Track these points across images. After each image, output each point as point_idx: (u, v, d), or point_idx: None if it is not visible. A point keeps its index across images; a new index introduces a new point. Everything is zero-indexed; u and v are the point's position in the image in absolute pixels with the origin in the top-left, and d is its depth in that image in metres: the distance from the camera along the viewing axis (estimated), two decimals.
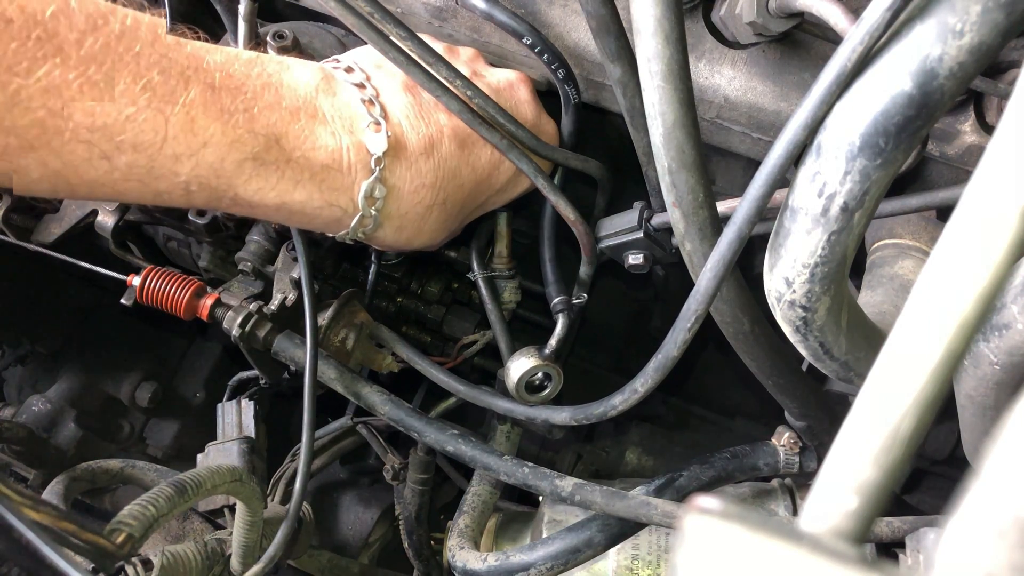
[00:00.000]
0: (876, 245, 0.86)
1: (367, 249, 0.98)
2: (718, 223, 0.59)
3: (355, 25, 0.67)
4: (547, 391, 0.87)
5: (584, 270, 0.88)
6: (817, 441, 0.86)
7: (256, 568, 0.79)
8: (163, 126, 0.57)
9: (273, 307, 0.84)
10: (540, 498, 1.01)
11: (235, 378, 1.07)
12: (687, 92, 0.54)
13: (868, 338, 0.63)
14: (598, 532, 0.81)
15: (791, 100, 0.80)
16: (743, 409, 1.33)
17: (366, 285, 0.98)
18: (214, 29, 0.84)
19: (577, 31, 0.82)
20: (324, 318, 0.86)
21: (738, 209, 0.53)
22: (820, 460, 0.88)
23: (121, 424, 1.22)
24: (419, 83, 0.70)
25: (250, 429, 0.96)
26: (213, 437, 0.96)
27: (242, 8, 0.78)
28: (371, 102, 0.69)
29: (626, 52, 0.68)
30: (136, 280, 0.84)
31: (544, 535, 0.92)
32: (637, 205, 0.83)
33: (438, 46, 0.76)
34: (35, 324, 1.24)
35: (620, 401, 0.75)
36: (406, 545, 1.12)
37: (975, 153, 0.81)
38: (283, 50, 0.79)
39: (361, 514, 1.21)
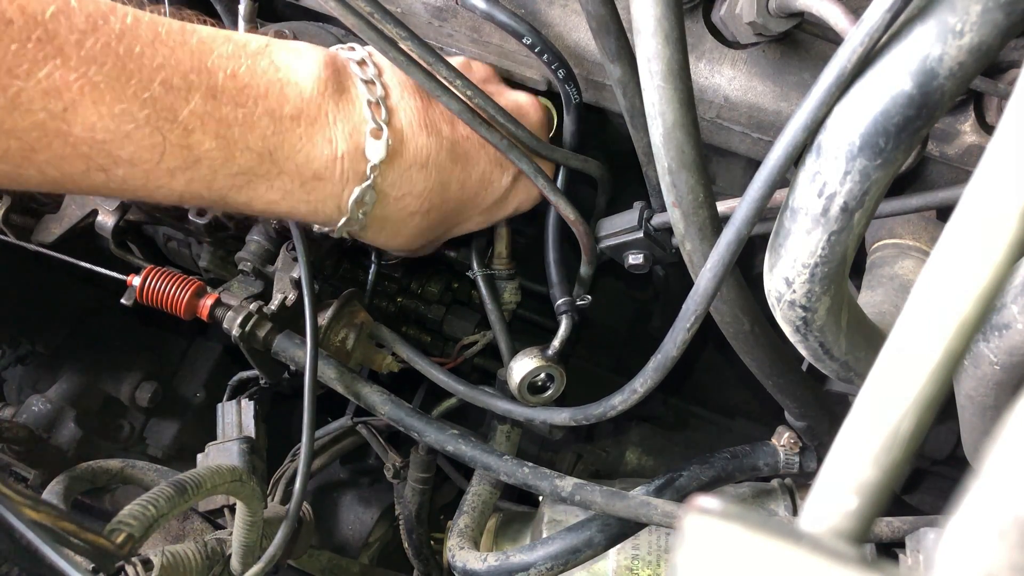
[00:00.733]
0: (876, 245, 0.86)
1: (367, 249, 0.98)
2: (718, 223, 0.59)
3: (355, 25, 0.67)
4: (550, 392, 0.87)
5: (584, 270, 0.88)
6: (817, 441, 0.86)
7: (256, 568, 0.79)
8: (161, 143, 0.57)
9: (273, 307, 0.84)
10: (540, 498, 1.01)
11: (235, 378, 1.07)
12: (687, 92, 0.54)
13: (868, 338, 0.63)
14: (598, 532, 0.81)
15: (791, 100, 0.80)
16: (743, 409, 1.33)
17: (366, 285, 0.98)
18: (200, 15, 0.83)
19: (577, 31, 0.82)
20: (324, 318, 0.86)
21: (738, 209, 0.53)
22: (820, 460, 0.88)
23: (121, 424, 1.22)
24: (419, 83, 0.70)
25: (250, 429, 0.96)
26: (213, 437, 0.96)
27: (242, 8, 0.78)
28: (377, 104, 0.68)
29: (626, 52, 0.68)
30: (136, 280, 0.84)
31: (544, 535, 0.92)
32: (637, 205, 0.83)
33: (456, 61, 0.75)
34: (35, 324, 1.24)
35: (620, 401, 0.75)
36: (406, 544, 1.12)
37: (975, 153, 0.81)
38: None
39: (361, 514, 1.21)
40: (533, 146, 0.77)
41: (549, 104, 0.85)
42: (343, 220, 0.69)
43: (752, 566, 0.25)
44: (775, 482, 0.96)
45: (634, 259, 0.84)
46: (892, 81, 0.45)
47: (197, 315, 0.84)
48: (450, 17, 0.83)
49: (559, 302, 0.86)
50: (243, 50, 0.62)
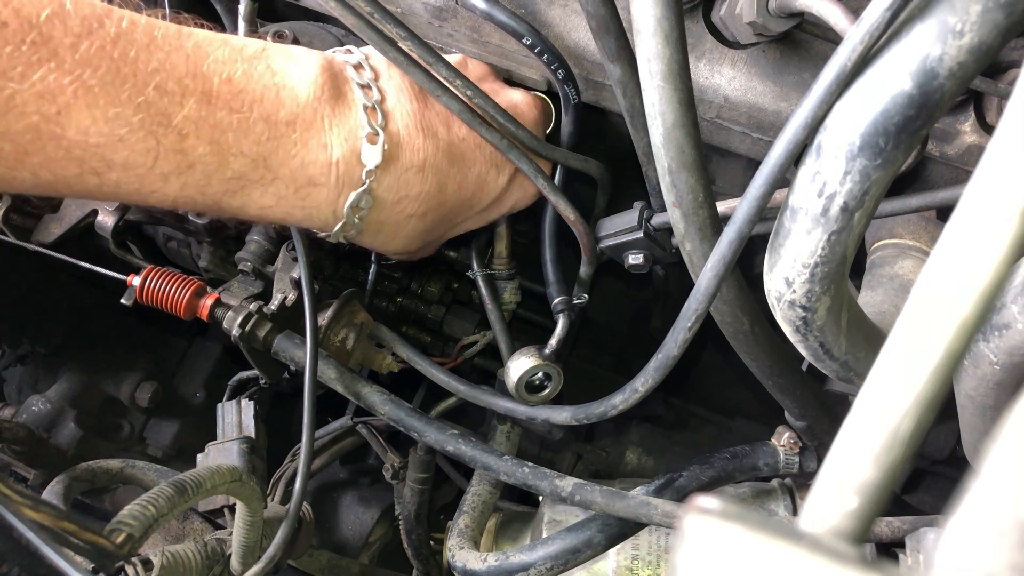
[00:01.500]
0: (876, 245, 0.86)
1: (367, 249, 0.98)
2: (718, 223, 0.59)
3: (355, 25, 0.67)
4: (547, 391, 0.87)
5: (584, 270, 0.88)
6: (817, 441, 0.86)
7: (256, 568, 0.79)
8: (155, 148, 0.57)
9: (273, 307, 0.84)
10: (540, 498, 1.01)
11: (235, 378, 1.07)
12: (687, 92, 0.54)
13: (868, 338, 0.63)
14: (598, 532, 0.81)
15: (791, 100, 0.80)
16: (743, 409, 1.33)
17: (366, 285, 0.98)
18: (197, 19, 0.83)
19: (577, 31, 0.82)
20: (324, 318, 0.86)
21: (739, 208, 0.53)
22: (820, 460, 0.88)
23: (121, 424, 1.22)
24: (419, 83, 0.70)
25: (250, 429, 0.96)
26: (213, 437, 0.96)
27: (242, 8, 0.78)
28: (374, 108, 0.68)
29: (626, 52, 0.68)
30: (136, 280, 0.84)
31: (544, 535, 0.92)
32: (637, 205, 0.83)
33: (453, 59, 0.75)
34: (35, 324, 1.24)
35: (621, 400, 0.75)
36: (406, 544, 1.12)
37: (975, 153, 0.81)
38: None
39: (361, 514, 1.21)
40: (533, 146, 0.77)
41: (547, 99, 0.85)
42: (339, 225, 0.69)
43: (752, 566, 0.25)
44: (775, 482, 0.96)
45: (634, 259, 0.84)
46: (892, 81, 0.45)
47: (197, 315, 0.84)
48: (450, 17, 0.83)
49: (556, 301, 0.86)
50: (239, 54, 0.62)
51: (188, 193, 0.61)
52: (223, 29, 0.85)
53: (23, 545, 0.50)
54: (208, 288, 0.85)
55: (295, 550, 0.92)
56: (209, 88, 0.59)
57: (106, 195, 0.59)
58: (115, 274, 0.89)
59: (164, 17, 0.61)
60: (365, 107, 0.67)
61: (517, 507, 1.09)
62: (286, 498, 1.00)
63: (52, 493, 0.84)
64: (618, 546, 0.85)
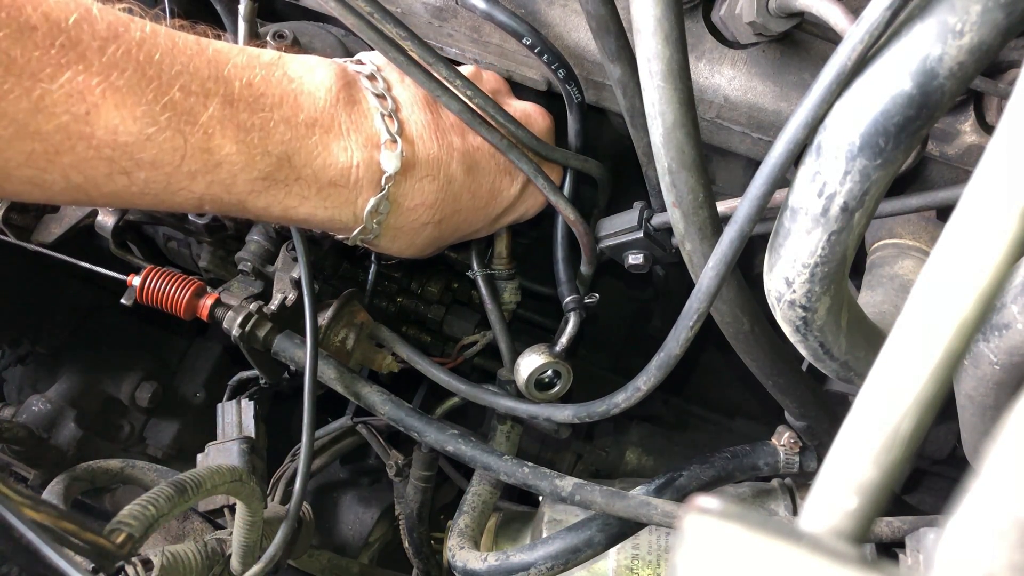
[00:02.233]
0: (876, 245, 0.86)
1: (367, 249, 0.98)
2: (718, 223, 0.59)
3: (355, 25, 0.67)
4: (557, 388, 0.87)
5: (584, 270, 0.88)
6: (817, 441, 0.86)
7: (256, 568, 0.79)
8: (182, 145, 0.58)
9: (273, 307, 0.84)
10: (540, 498, 1.01)
11: (235, 378, 1.07)
12: (687, 92, 0.54)
13: (868, 338, 0.63)
14: (598, 532, 0.81)
15: (791, 100, 0.80)
16: (743, 409, 1.33)
17: (366, 285, 0.98)
18: (213, 29, 0.84)
19: (577, 31, 0.82)
20: (324, 318, 0.86)
21: (740, 207, 0.53)
22: (820, 460, 0.88)
23: (121, 424, 1.22)
24: (419, 83, 0.70)
25: (250, 429, 0.96)
26: (213, 437, 0.96)
27: (242, 8, 0.78)
28: (390, 116, 0.69)
29: (626, 52, 0.68)
30: (136, 280, 0.84)
31: (544, 535, 0.92)
32: (637, 205, 0.83)
33: (466, 70, 0.76)
34: (35, 324, 1.24)
35: (623, 399, 0.75)
36: (406, 543, 1.12)
37: (975, 153, 0.81)
38: (285, 51, 0.79)
39: (361, 514, 1.21)
40: (533, 146, 0.77)
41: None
42: (358, 228, 0.71)
43: (752, 566, 0.25)
44: (775, 482, 0.96)
45: (634, 259, 0.84)
46: (892, 81, 0.45)
47: (197, 315, 0.84)
48: (450, 17, 0.83)
49: (567, 299, 0.87)
50: (256, 61, 0.63)
51: (215, 191, 0.62)
52: (223, 31, 0.85)
53: (23, 545, 0.50)
54: (208, 288, 0.85)
55: (295, 550, 0.92)
56: (231, 91, 0.60)
57: (134, 196, 0.60)
58: (115, 274, 0.89)
59: (167, 23, 0.62)
60: (382, 115, 0.69)
61: (517, 507, 1.09)
62: (286, 498, 1.00)
63: (52, 493, 0.84)
64: (618, 546, 0.85)
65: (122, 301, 0.86)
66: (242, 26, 0.78)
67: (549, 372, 0.86)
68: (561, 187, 0.83)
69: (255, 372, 0.92)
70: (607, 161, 0.87)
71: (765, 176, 0.51)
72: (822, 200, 0.49)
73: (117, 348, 1.26)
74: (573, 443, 1.23)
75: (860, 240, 0.53)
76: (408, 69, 0.69)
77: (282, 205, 0.66)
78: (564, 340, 0.85)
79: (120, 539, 0.59)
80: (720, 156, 0.91)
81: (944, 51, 0.43)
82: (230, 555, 0.81)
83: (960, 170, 0.82)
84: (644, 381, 0.72)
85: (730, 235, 0.54)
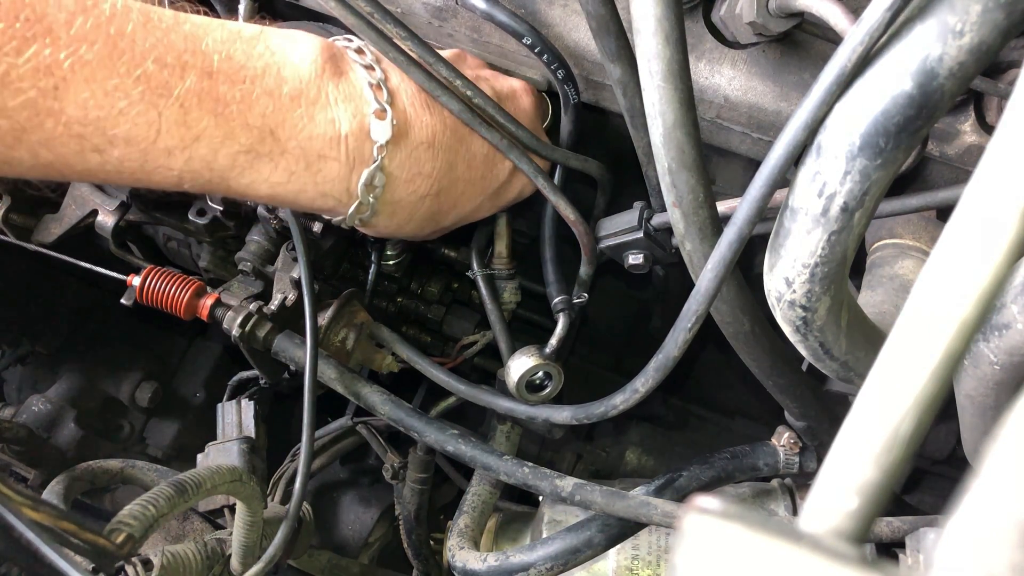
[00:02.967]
0: (876, 245, 0.86)
1: (367, 249, 0.98)
2: (718, 223, 0.59)
3: (355, 25, 0.67)
4: (547, 390, 0.87)
5: (584, 270, 0.88)
6: (817, 441, 0.86)
7: (256, 568, 0.79)
8: (156, 119, 0.56)
9: (273, 307, 0.84)
10: (540, 498, 1.01)
11: (235, 378, 1.07)
12: (687, 92, 0.54)
13: (868, 338, 0.63)
14: (598, 532, 0.81)
15: (791, 100, 0.80)
16: (743, 409, 1.33)
17: (366, 285, 0.98)
18: (195, 5, 0.83)
19: (577, 31, 0.82)
20: (324, 318, 0.86)
21: (739, 208, 0.53)
22: (820, 460, 0.88)
23: (121, 424, 1.22)
24: (419, 83, 0.70)
25: (250, 429, 0.96)
26: (213, 437, 0.96)
27: (242, 7, 0.78)
28: (379, 86, 0.68)
29: (626, 52, 0.68)
30: (136, 280, 0.84)
31: (544, 535, 0.92)
32: (637, 205, 0.83)
33: (446, 52, 0.75)
34: (35, 324, 1.24)
35: (621, 400, 0.75)
36: (405, 544, 1.12)
37: (975, 153, 0.81)
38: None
39: (361, 514, 1.21)
40: (533, 146, 0.77)
41: (543, 94, 0.85)
42: (354, 206, 0.69)
43: (752, 566, 0.25)
44: (775, 482, 0.96)
45: (634, 259, 0.84)
46: (892, 81, 0.45)
47: (197, 315, 0.84)
48: (450, 17, 0.83)
49: (556, 300, 0.87)
50: (237, 36, 0.62)
51: (194, 167, 0.60)
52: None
53: (23, 545, 0.50)
54: (208, 288, 0.85)
55: (295, 550, 0.92)
56: (209, 64, 0.59)
57: (109, 175, 0.58)
58: (115, 274, 0.89)
59: (163, 5, 0.61)
60: (370, 84, 0.67)
61: (517, 507, 1.09)
62: (286, 498, 1.00)
63: (52, 493, 0.84)
64: (618, 546, 0.85)
65: (122, 301, 0.86)
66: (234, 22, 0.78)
67: (540, 374, 0.86)
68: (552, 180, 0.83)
69: (255, 372, 0.92)
70: (607, 161, 0.87)
71: (765, 176, 0.51)
72: (822, 200, 0.49)
73: (117, 348, 1.26)
74: (573, 443, 1.23)
75: (860, 240, 0.53)
76: (408, 69, 0.69)
77: (269, 182, 0.64)
78: (554, 341, 0.85)
79: (120, 539, 0.59)
80: (720, 156, 0.91)
81: (944, 51, 0.43)
82: (230, 555, 0.81)
83: (960, 170, 0.82)
84: (642, 383, 0.72)
85: (729, 236, 0.54)
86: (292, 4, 0.89)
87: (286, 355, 0.83)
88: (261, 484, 0.85)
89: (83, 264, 0.92)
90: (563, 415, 0.82)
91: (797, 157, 0.50)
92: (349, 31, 0.71)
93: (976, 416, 0.59)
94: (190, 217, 0.89)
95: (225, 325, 0.82)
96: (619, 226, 0.84)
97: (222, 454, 0.93)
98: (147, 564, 0.73)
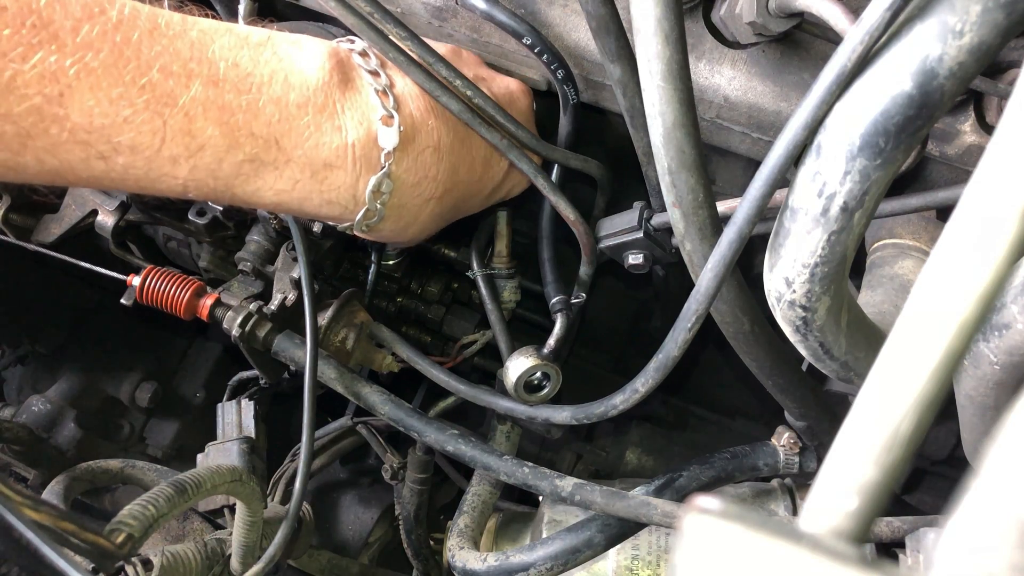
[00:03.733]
0: (876, 245, 0.86)
1: (367, 249, 0.98)
2: (718, 223, 0.59)
3: (355, 25, 0.67)
4: (546, 391, 0.87)
5: (584, 270, 0.88)
6: (817, 441, 0.86)
7: (256, 568, 0.79)
8: (161, 128, 0.57)
9: (273, 307, 0.84)
10: (540, 498, 1.01)
11: (235, 378, 1.07)
12: (687, 92, 0.54)
13: (868, 338, 0.63)
14: (598, 532, 0.81)
15: (791, 100, 0.80)
16: (743, 409, 1.33)
17: (366, 285, 0.98)
18: (202, 9, 0.83)
19: (577, 31, 0.82)
20: (324, 318, 0.86)
21: (739, 208, 0.53)
22: (820, 460, 0.88)
23: (121, 424, 1.22)
24: (419, 83, 0.70)
25: (250, 429, 0.96)
26: (213, 437, 0.96)
27: (242, 7, 0.78)
28: (385, 92, 0.68)
29: (626, 52, 0.68)
30: (136, 280, 0.84)
31: (544, 535, 0.92)
32: (637, 205, 0.83)
33: (442, 48, 0.75)
34: (35, 324, 1.24)
35: (621, 401, 0.75)
36: (405, 544, 1.12)
37: (975, 153, 0.81)
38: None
39: (361, 514, 1.21)
40: (533, 146, 0.77)
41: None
42: (361, 212, 0.69)
43: (752, 566, 0.25)
44: (775, 482, 0.96)
45: (634, 259, 0.84)
46: (892, 81, 0.45)
47: (197, 315, 0.84)
48: (450, 17, 0.83)
49: (554, 300, 0.87)
50: (245, 42, 0.62)
51: (199, 176, 0.60)
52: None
53: (23, 545, 0.50)
54: (208, 288, 0.85)
55: (295, 550, 0.92)
56: (215, 72, 0.59)
57: (114, 182, 0.58)
58: (115, 274, 0.89)
59: (169, 7, 0.61)
60: (376, 91, 0.67)
61: (517, 507, 1.09)
62: (286, 498, 1.00)
63: (52, 493, 0.84)
64: (618, 546, 0.85)
65: (122, 301, 0.86)
66: (242, 25, 0.78)
67: (538, 374, 0.86)
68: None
69: (255, 372, 0.92)
70: (607, 161, 0.87)
71: (765, 176, 0.51)
72: (822, 200, 0.49)
73: (117, 348, 1.26)
74: (573, 443, 1.23)
75: (860, 240, 0.53)
76: (408, 69, 0.69)
77: (273, 190, 0.64)
78: (552, 342, 0.85)
79: (120, 539, 0.59)
80: (720, 156, 0.91)
81: (944, 51, 0.43)
82: (230, 555, 0.81)
83: (960, 170, 0.82)
84: (642, 383, 0.72)
85: (729, 236, 0.54)
86: (292, 4, 0.89)
87: (286, 355, 0.83)
88: (261, 484, 0.85)
89: (83, 264, 0.92)
90: (563, 415, 0.82)
91: (797, 157, 0.50)
92: (349, 31, 0.71)
93: (976, 416, 0.59)
94: (190, 217, 0.89)
95: (225, 325, 0.82)
96: (619, 226, 0.84)
97: (222, 454, 0.93)
98: (147, 564, 0.73)
